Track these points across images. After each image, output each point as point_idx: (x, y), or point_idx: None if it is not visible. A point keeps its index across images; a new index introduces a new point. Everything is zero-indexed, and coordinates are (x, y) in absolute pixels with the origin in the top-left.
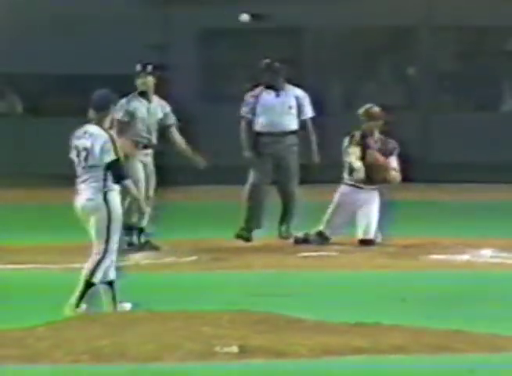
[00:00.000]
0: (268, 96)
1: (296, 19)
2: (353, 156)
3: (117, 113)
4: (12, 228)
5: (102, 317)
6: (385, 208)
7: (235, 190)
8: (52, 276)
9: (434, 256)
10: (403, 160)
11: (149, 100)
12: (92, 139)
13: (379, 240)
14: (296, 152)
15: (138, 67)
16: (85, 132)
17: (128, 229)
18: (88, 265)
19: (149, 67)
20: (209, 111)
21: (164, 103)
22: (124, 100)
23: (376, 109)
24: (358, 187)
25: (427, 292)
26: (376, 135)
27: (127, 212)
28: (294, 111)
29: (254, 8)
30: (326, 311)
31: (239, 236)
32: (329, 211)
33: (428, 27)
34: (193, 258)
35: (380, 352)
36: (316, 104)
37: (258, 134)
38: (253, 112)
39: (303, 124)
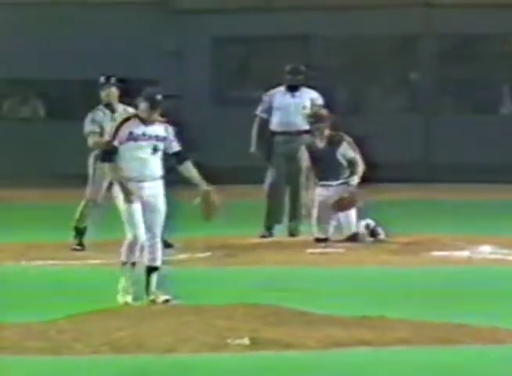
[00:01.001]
0: (283, 96)
1: (306, 27)
2: None
3: (86, 126)
4: (34, 226)
5: (120, 310)
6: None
7: (247, 189)
8: (72, 271)
9: (436, 253)
10: (366, 156)
11: (112, 111)
12: None
13: (382, 236)
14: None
15: (102, 79)
16: None
17: (78, 232)
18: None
19: (113, 79)
20: (221, 116)
21: (130, 110)
22: (89, 114)
23: (324, 111)
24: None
25: (430, 287)
26: (325, 133)
27: (79, 216)
28: (308, 111)
29: (265, 16)
30: (334, 305)
31: (262, 237)
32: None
33: (429, 35)
34: (207, 254)
35: (385, 345)
36: (325, 107)
37: (273, 133)
38: (268, 111)
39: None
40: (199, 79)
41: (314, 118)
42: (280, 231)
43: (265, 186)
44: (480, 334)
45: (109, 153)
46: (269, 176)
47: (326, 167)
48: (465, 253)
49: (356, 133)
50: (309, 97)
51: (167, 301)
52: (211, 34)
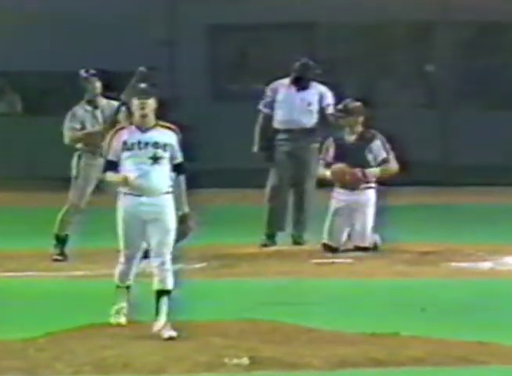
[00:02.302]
0: (287, 91)
1: (309, 13)
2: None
3: (67, 122)
4: (10, 233)
5: (105, 327)
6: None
7: (245, 193)
8: (53, 284)
9: (455, 263)
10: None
11: (95, 107)
12: None
13: (379, 243)
14: (315, 151)
15: (82, 73)
16: None
17: (59, 240)
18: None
19: (92, 71)
20: (216, 109)
21: (114, 103)
22: (71, 111)
23: (356, 103)
24: (349, 189)
25: (448, 301)
26: (357, 129)
27: (61, 223)
28: (314, 108)
29: (266, 2)
30: (341, 321)
31: (263, 246)
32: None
33: (447, 22)
34: (202, 264)
35: (399, 365)
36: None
37: (276, 131)
38: (271, 106)
39: (322, 111)
40: (193, 71)
41: (344, 112)
42: (283, 239)
43: (267, 189)
44: (504, 354)
45: (109, 169)
46: (271, 178)
47: (351, 165)
48: (488, 264)
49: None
50: (317, 92)
51: (170, 338)
52: (206, 21)
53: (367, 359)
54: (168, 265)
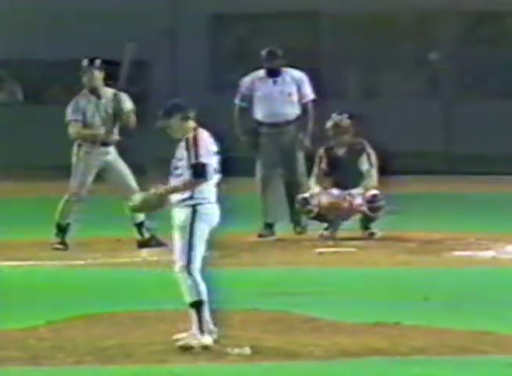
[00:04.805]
0: (264, 85)
1: (311, 3)
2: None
3: (68, 113)
4: (11, 222)
5: (106, 317)
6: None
7: (245, 182)
8: (53, 273)
9: (458, 252)
10: (381, 152)
11: (98, 97)
12: None
13: (378, 235)
14: (301, 140)
15: (85, 62)
16: None
17: (60, 229)
18: None
19: (97, 62)
20: (220, 103)
21: (122, 95)
22: (74, 99)
23: (345, 121)
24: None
25: (451, 290)
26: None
27: (61, 212)
28: (295, 98)
29: None
30: (343, 310)
31: (260, 236)
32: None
33: (450, 11)
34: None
35: (401, 355)
36: (335, 92)
37: (260, 124)
38: (247, 99)
39: (304, 108)
40: (194, 62)
41: (334, 130)
42: (285, 228)
43: (257, 181)
44: (506, 344)
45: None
46: (258, 168)
47: (343, 176)
48: (490, 253)
49: (370, 120)
50: (292, 78)
51: (184, 347)
52: (208, 10)
53: (369, 349)
54: (179, 273)
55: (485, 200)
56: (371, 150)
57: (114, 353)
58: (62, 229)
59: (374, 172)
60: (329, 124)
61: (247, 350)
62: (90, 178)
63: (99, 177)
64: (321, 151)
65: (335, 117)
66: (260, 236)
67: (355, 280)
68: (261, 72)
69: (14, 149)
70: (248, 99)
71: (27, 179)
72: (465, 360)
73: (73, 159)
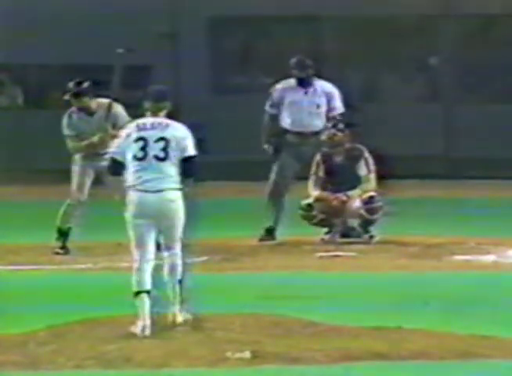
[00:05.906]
0: (295, 94)
1: (312, 6)
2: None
3: (64, 128)
4: (11, 226)
5: (106, 321)
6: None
7: (248, 186)
8: (54, 277)
9: (458, 257)
10: (379, 157)
11: (90, 114)
12: (171, 129)
13: (377, 239)
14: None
15: (71, 86)
16: (158, 123)
17: (61, 234)
18: None
19: (86, 84)
20: (221, 105)
21: (114, 107)
22: (66, 115)
23: (340, 135)
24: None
25: (451, 295)
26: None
27: (63, 216)
28: (323, 110)
29: None
30: (344, 314)
31: (260, 240)
32: None
33: (451, 15)
34: (204, 258)
35: (402, 358)
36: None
37: (286, 131)
38: (277, 107)
39: (329, 120)
40: (195, 65)
41: (329, 143)
42: (286, 233)
43: (269, 184)
44: (507, 348)
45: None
46: (274, 173)
47: (342, 181)
48: (491, 257)
49: (370, 123)
50: (323, 91)
51: (185, 321)
52: (209, 14)
53: (370, 353)
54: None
55: (486, 204)
56: (369, 156)
57: (114, 357)
58: (63, 234)
59: (372, 177)
60: (323, 137)
61: (248, 354)
62: (88, 180)
63: (99, 181)
64: (318, 158)
65: (329, 130)
66: (260, 240)
67: (356, 284)
68: (292, 81)
69: (15, 153)
70: (278, 106)
71: (27, 183)
72: (466, 364)
73: (73, 163)
